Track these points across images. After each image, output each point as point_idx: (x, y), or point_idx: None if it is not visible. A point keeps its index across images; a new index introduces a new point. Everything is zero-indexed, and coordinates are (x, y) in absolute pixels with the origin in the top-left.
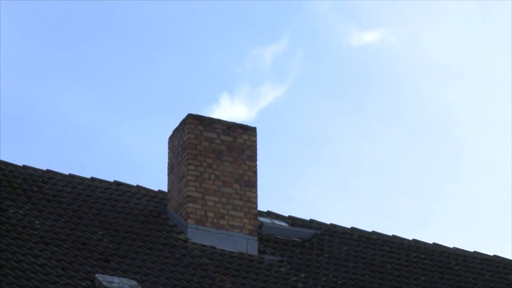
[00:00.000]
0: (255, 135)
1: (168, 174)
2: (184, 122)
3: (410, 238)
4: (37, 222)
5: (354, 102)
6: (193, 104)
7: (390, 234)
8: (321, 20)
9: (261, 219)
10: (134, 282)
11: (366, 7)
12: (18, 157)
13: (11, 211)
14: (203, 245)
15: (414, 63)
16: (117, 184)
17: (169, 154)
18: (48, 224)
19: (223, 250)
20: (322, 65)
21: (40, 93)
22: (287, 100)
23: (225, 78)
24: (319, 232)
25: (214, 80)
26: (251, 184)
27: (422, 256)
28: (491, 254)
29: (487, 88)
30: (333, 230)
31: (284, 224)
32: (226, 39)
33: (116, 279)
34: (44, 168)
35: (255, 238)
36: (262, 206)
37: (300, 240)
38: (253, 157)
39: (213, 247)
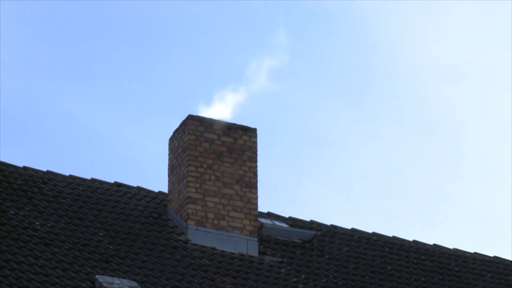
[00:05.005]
0: (255, 136)
1: (169, 175)
2: (184, 123)
3: (411, 239)
4: (38, 223)
5: (355, 103)
6: (194, 105)
7: (391, 235)
8: (322, 20)
9: (262, 220)
10: (134, 283)
11: (368, 7)
12: (18, 158)
13: (11, 212)
14: (204, 246)
15: (417, 64)
16: (118, 185)
17: (169, 155)
18: (49, 225)
19: (224, 251)
20: (323, 64)
21: (41, 94)
22: (288, 101)
23: (226, 78)
24: (319, 233)
25: (214, 81)
26: (252, 185)
27: (423, 257)
28: (492, 255)
29: (490, 89)
30: (334, 231)
31: (284, 225)
32: (226, 40)
33: (116, 280)
34: (45, 169)
35: (256, 239)
36: (263, 207)
37: (300, 241)
38: (253, 158)
39: (214, 248)
